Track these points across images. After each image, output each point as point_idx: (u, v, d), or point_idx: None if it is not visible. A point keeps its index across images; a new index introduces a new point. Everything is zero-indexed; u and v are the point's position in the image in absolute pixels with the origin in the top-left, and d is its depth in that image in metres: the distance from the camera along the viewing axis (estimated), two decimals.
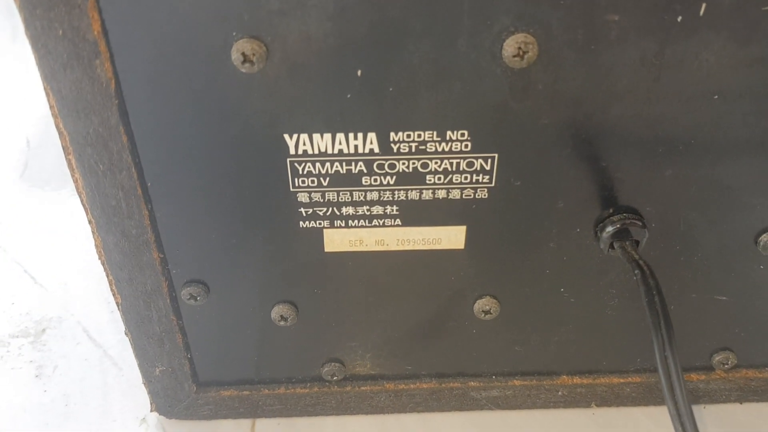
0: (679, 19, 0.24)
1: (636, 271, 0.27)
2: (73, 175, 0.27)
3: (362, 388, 0.35)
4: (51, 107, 0.25)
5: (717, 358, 0.35)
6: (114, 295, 0.30)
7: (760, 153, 0.27)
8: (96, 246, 0.29)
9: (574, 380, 0.36)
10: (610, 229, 0.29)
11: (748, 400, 0.37)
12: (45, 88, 0.24)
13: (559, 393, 0.36)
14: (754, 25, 0.24)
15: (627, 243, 0.29)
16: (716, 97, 0.26)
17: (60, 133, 0.25)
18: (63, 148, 0.26)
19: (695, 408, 0.37)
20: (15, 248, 0.48)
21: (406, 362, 0.35)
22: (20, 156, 0.56)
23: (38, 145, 0.57)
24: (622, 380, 0.36)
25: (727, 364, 0.35)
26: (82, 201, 0.27)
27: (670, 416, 0.24)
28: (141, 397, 0.37)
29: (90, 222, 0.28)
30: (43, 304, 0.43)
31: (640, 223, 0.29)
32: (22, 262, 0.46)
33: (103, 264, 0.29)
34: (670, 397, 0.24)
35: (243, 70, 0.24)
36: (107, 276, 0.30)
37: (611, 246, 0.29)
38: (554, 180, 0.28)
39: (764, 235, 0.30)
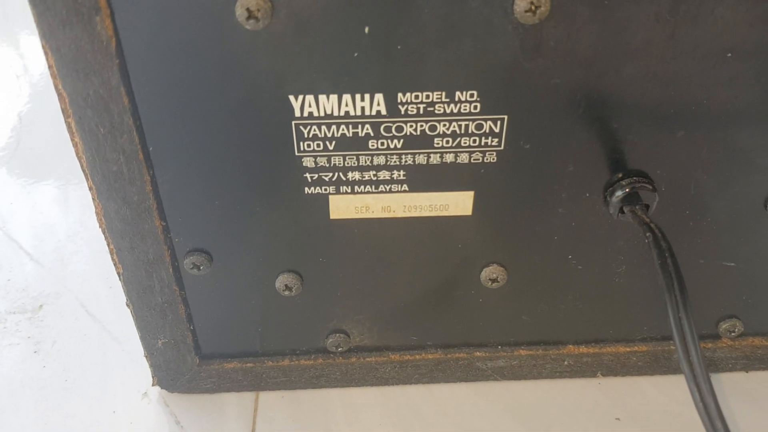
0: None
1: (648, 234, 0.27)
2: (72, 139, 0.26)
3: (367, 359, 0.35)
4: (50, 67, 0.24)
5: (724, 325, 0.35)
6: (115, 264, 0.30)
7: None
8: (96, 213, 0.28)
9: (581, 350, 0.35)
10: (619, 193, 0.28)
11: (753, 369, 0.37)
12: (43, 47, 0.23)
13: (565, 363, 0.36)
14: None
15: (637, 207, 0.28)
16: (730, 54, 0.25)
17: (59, 95, 0.25)
18: (62, 111, 0.25)
19: None
20: (10, 225, 0.47)
21: (412, 333, 0.34)
22: (12, 133, 0.55)
23: (31, 122, 0.56)
24: (628, 349, 0.35)
25: (734, 332, 0.35)
26: (82, 166, 0.27)
27: (685, 379, 0.24)
28: (142, 371, 0.37)
29: (90, 188, 0.27)
30: (39, 280, 0.43)
31: (651, 187, 0.28)
32: (17, 239, 0.46)
33: (103, 232, 0.29)
34: (686, 359, 0.24)
35: (247, 27, 0.23)
36: (108, 245, 0.29)
37: (621, 210, 0.29)
38: (564, 143, 0.27)
39: None
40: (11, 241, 0.45)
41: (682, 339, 0.24)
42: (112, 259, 0.30)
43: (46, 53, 0.24)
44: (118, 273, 0.30)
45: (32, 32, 0.69)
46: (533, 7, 0.23)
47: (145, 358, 0.35)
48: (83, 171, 0.27)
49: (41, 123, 0.56)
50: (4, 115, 0.57)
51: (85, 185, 0.49)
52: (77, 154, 0.26)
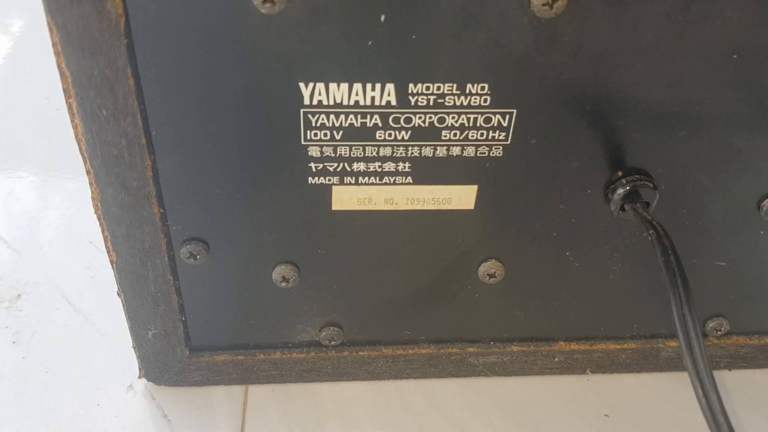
0: None
1: (651, 231, 0.27)
2: (72, 121, 0.25)
3: (360, 353, 0.35)
4: (54, 44, 0.23)
5: (711, 324, 0.35)
6: (108, 252, 0.29)
7: None
8: (93, 199, 0.27)
9: (572, 346, 0.36)
10: (621, 190, 0.29)
11: (736, 367, 0.38)
12: (48, 23, 0.23)
13: (556, 359, 0.36)
14: None
15: (638, 204, 0.29)
16: (735, 56, 0.26)
17: (62, 74, 0.24)
18: (64, 91, 0.24)
19: (685, 375, 0.37)
20: None
21: (405, 327, 0.34)
22: None
23: (5, 109, 0.54)
24: (617, 346, 0.36)
25: (720, 330, 0.36)
26: (80, 149, 0.26)
27: (688, 374, 0.24)
28: (126, 363, 0.36)
29: (88, 172, 0.26)
30: (17, 269, 0.41)
31: (651, 185, 0.29)
32: None
33: (99, 219, 0.28)
34: (689, 354, 0.24)
35: (263, 11, 0.23)
36: (102, 232, 0.28)
37: (622, 208, 0.29)
38: (570, 139, 0.27)
39: (767, 200, 0.30)
40: None
41: (685, 335, 0.25)
42: (106, 247, 0.29)
43: (51, 30, 0.23)
44: (111, 261, 0.29)
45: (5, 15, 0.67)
46: (550, 1, 0.23)
47: (130, 350, 0.34)
48: (81, 154, 0.26)
49: (16, 108, 0.54)
50: None
51: (62, 172, 0.48)
52: (76, 136, 0.26)
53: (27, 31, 0.64)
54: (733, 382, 0.37)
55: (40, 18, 0.23)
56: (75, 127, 0.25)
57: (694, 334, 0.24)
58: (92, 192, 0.27)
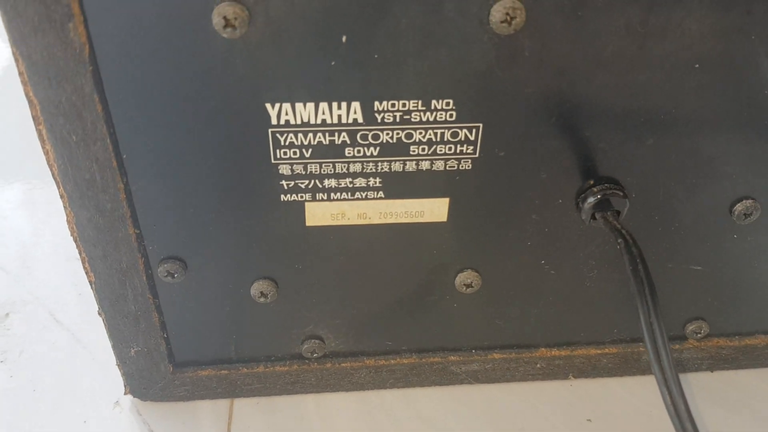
0: None
1: (619, 240, 0.27)
2: (43, 147, 0.25)
3: (342, 364, 0.35)
4: (20, 74, 0.24)
5: (690, 327, 0.36)
6: (87, 273, 0.29)
7: (738, 122, 0.28)
8: (68, 222, 0.28)
9: (553, 352, 0.36)
10: (591, 199, 0.29)
11: (718, 368, 0.38)
12: (14, 54, 0.23)
13: (538, 365, 0.36)
14: None
15: (608, 213, 0.29)
16: (697, 65, 0.26)
17: (29, 102, 0.24)
18: (33, 119, 0.25)
19: None
20: None
21: (387, 338, 0.35)
22: None
23: None
24: (599, 351, 0.36)
25: (700, 333, 0.36)
26: (53, 174, 0.26)
27: (657, 382, 0.25)
28: (113, 380, 0.36)
29: (62, 196, 0.27)
30: (5, 288, 0.42)
31: (621, 193, 0.29)
32: None
33: (75, 241, 0.28)
34: (657, 363, 0.25)
35: (224, 35, 0.23)
36: (80, 253, 0.29)
37: (593, 216, 0.29)
38: (538, 150, 0.28)
39: (739, 204, 0.31)
40: None
41: (653, 343, 0.25)
42: (84, 268, 0.29)
43: (16, 60, 0.23)
44: (90, 282, 0.30)
45: None
46: (509, 18, 0.23)
47: (116, 367, 0.34)
48: (54, 179, 0.26)
49: (4, 125, 0.55)
50: None
51: (51, 189, 0.48)
52: (48, 162, 0.26)
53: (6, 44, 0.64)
54: (715, 384, 0.37)
55: None
56: (46, 153, 0.26)
57: (661, 343, 0.25)
58: (67, 215, 0.27)
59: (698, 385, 0.37)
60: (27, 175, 0.50)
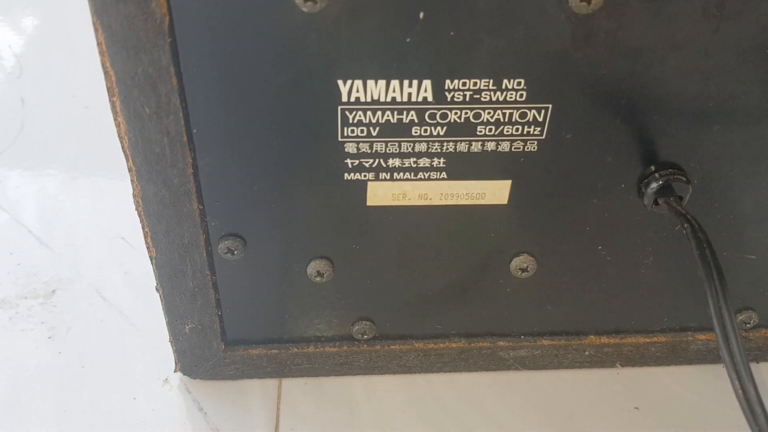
0: None
1: (686, 225, 0.27)
2: (115, 119, 0.26)
3: (392, 347, 0.35)
4: (99, 44, 0.24)
5: (740, 317, 0.35)
6: (148, 248, 0.29)
7: None
8: (134, 196, 0.28)
9: (602, 340, 0.36)
10: (654, 184, 0.29)
11: (765, 360, 0.38)
12: (94, 23, 0.23)
13: (586, 353, 0.36)
14: None
15: (671, 198, 0.29)
16: None
17: (105, 73, 0.24)
18: (108, 90, 0.25)
19: (713, 368, 0.37)
20: (16, 209, 0.46)
21: (437, 321, 0.35)
22: (15, 115, 0.54)
23: (35, 105, 0.55)
24: (647, 340, 0.36)
25: (749, 323, 0.36)
26: (123, 147, 0.26)
27: (725, 368, 0.24)
28: (162, 357, 0.36)
29: (130, 170, 0.27)
30: (51, 265, 0.42)
31: (685, 179, 0.29)
32: (25, 223, 0.45)
33: (140, 215, 0.28)
34: (726, 347, 0.24)
35: (304, 9, 0.23)
36: (143, 228, 0.29)
37: (655, 202, 0.29)
38: (605, 133, 0.28)
39: None
40: (19, 225, 0.45)
41: (722, 328, 0.25)
42: (146, 242, 0.29)
43: (96, 30, 0.23)
44: (151, 257, 0.30)
45: (30, 11, 0.67)
46: None
47: (165, 345, 0.34)
48: (124, 152, 0.26)
49: (45, 106, 0.55)
50: (4, 99, 0.56)
51: (93, 169, 0.49)
52: (119, 134, 0.26)
53: (42, 30, 0.64)
54: (762, 375, 0.37)
55: (55, 17, 0.24)
56: (118, 125, 0.26)
57: (730, 327, 0.25)
58: (133, 189, 0.27)
59: None
60: (69, 156, 0.50)
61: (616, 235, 0.31)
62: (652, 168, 0.29)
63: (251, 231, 0.30)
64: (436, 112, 0.27)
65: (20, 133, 0.52)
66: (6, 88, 0.57)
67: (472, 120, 0.27)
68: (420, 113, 0.27)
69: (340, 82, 0.26)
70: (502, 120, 0.27)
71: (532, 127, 0.27)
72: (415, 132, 0.27)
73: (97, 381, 0.36)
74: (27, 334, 0.38)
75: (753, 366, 0.38)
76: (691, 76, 0.26)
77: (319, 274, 0.31)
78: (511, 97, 0.26)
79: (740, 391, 0.24)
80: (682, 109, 0.27)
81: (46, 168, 0.49)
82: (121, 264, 0.42)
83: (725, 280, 0.26)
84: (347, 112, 0.26)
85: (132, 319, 0.39)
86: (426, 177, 0.29)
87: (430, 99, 0.26)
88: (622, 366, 0.37)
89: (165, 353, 0.36)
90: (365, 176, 0.28)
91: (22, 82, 0.57)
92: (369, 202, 0.29)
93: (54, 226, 0.44)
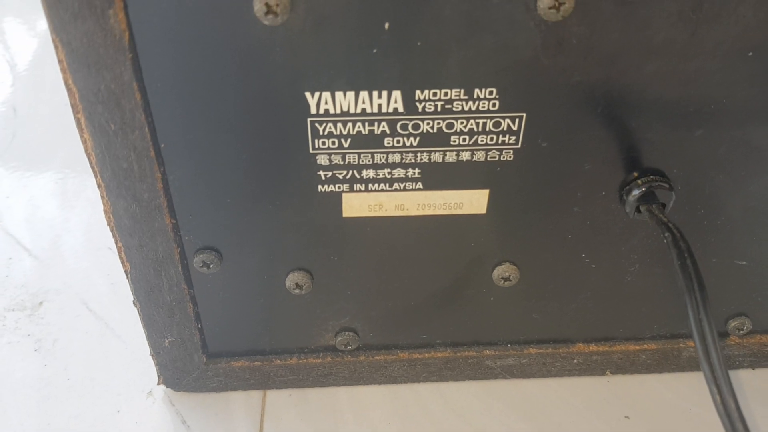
0: None
1: (666, 234, 0.26)
2: (81, 136, 0.25)
3: (376, 357, 0.35)
4: (60, 61, 0.23)
5: (733, 323, 0.35)
6: (123, 263, 0.29)
7: None
8: (105, 211, 0.27)
9: (590, 348, 0.35)
10: (636, 192, 0.28)
11: (760, 366, 0.37)
12: (54, 41, 0.23)
13: (575, 361, 0.35)
14: None
15: (654, 206, 0.28)
16: (751, 53, 0.25)
17: (68, 90, 0.24)
18: (72, 107, 0.24)
19: None
20: (6, 219, 0.46)
21: (421, 331, 0.34)
22: (7, 125, 0.54)
23: (26, 114, 0.55)
24: (637, 347, 0.35)
25: (743, 329, 0.35)
26: (91, 164, 0.26)
27: (705, 379, 0.24)
28: (146, 370, 0.36)
29: (99, 186, 0.27)
30: (39, 277, 0.42)
31: (667, 186, 0.28)
32: (14, 234, 0.45)
33: (112, 230, 0.28)
34: (706, 360, 0.24)
35: (266, 22, 0.23)
36: (116, 243, 0.28)
37: (637, 209, 0.28)
38: (582, 141, 0.27)
39: None
40: (8, 236, 0.45)
41: (702, 339, 0.24)
42: (120, 258, 0.29)
43: (56, 47, 0.23)
44: (126, 271, 0.29)
45: (21, 19, 0.67)
46: (557, 4, 0.23)
47: (150, 357, 0.34)
48: (92, 168, 0.26)
49: (36, 114, 0.55)
50: None
51: (83, 179, 0.49)
52: (86, 150, 0.26)
53: (35, 40, 0.64)
54: (757, 381, 0.36)
55: (47, 26, 0.23)
56: (84, 141, 0.25)
57: (711, 339, 0.24)
58: (104, 204, 0.27)
59: (740, 383, 0.36)
60: (59, 165, 0.50)
61: (599, 243, 0.31)
62: (634, 175, 0.28)
63: (227, 244, 0.30)
64: (408, 122, 0.26)
65: (12, 143, 0.52)
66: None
67: (445, 130, 0.26)
68: (392, 124, 0.26)
69: (307, 95, 0.25)
70: (475, 129, 0.26)
71: (507, 136, 0.27)
72: (388, 143, 0.27)
73: (82, 394, 0.36)
74: (13, 346, 0.38)
75: (748, 372, 0.37)
76: (670, 80, 0.26)
77: (297, 286, 0.31)
78: (483, 107, 0.26)
79: (721, 407, 0.24)
80: (662, 114, 0.27)
81: (36, 177, 0.49)
82: (108, 275, 0.42)
83: (706, 291, 0.25)
84: (317, 124, 0.26)
85: (117, 331, 0.38)
86: (402, 188, 0.28)
87: (401, 110, 0.26)
88: (611, 374, 0.36)
89: (149, 366, 0.35)
90: (339, 188, 0.28)
91: (13, 90, 0.57)
92: (345, 214, 0.29)
93: (42, 236, 0.44)
